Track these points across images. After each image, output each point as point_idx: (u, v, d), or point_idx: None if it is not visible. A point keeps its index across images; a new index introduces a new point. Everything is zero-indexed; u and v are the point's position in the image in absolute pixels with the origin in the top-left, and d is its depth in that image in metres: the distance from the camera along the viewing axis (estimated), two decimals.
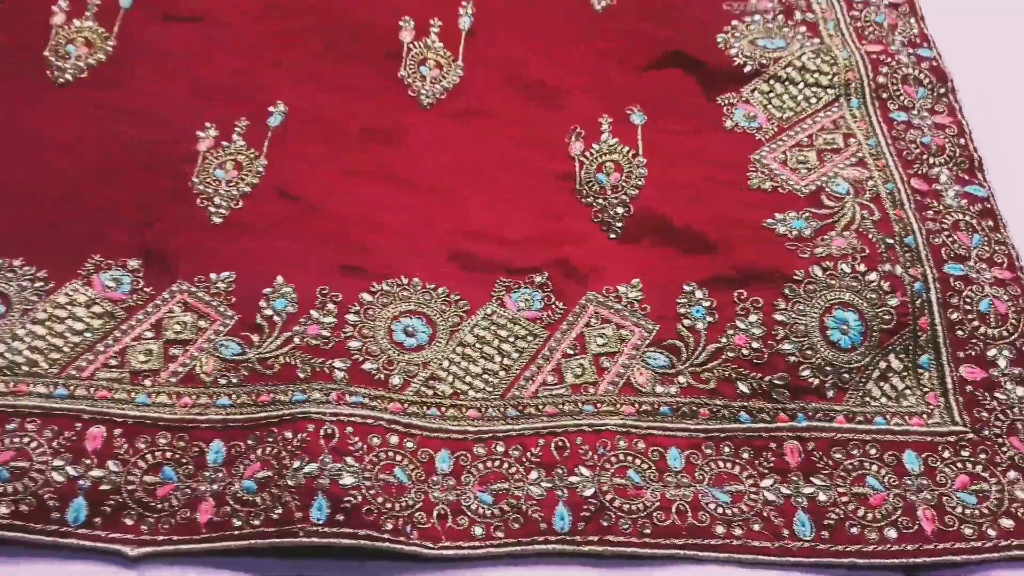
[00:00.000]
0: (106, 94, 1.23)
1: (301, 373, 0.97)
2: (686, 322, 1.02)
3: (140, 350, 0.99)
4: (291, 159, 1.18)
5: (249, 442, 0.92)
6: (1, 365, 0.96)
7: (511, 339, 1.02)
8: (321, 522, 0.86)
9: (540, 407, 0.97)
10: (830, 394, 0.97)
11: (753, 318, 1.01)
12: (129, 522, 0.89)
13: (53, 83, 1.23)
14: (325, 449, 0.90)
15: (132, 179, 1.14)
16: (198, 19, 1.31)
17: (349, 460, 0.90)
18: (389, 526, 0.87)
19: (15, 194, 1.11)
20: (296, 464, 0.89)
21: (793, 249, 1.05)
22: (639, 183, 1.14)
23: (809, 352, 0.98)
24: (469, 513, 0.90)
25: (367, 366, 0.98)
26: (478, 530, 0.89)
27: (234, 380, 0.97)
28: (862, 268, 1.03)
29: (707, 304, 1.03)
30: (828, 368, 0.97)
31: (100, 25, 1.30)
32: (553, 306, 1.05)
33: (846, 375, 0.98)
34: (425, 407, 0.97)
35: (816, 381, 0.97)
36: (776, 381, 0.97)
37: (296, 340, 1.00)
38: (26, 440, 0.91)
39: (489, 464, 0.93)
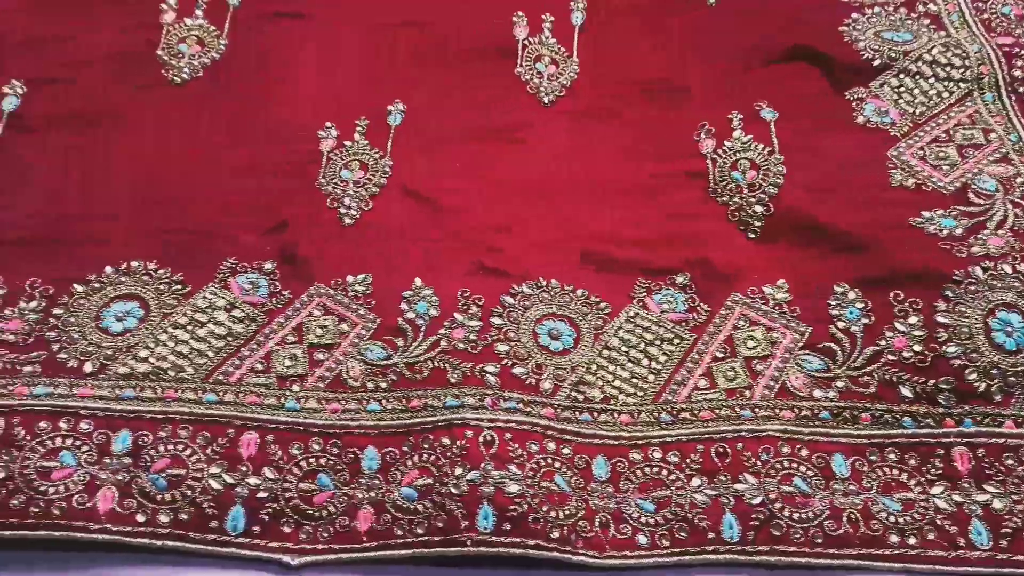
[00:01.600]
0: (222, 94, 1.21)
1: (452, 378, 0.95)
2: (840, 324, 0.99)
3: (285, 355, 0.97)
4: (416, 158, 1.16)
5: (404, 448, 0.91)
6: (146, 371, 0.95)
7: (657, 342, 1.00)
8: (488, 531, 0.84)
9: (695, 412, 0.95)
10: (997, 398, 0.94)
11: (913, 320, 0.98)
12: (287, 530, 0.87)
13: (170, 83, 1.22)
14: (486, 456, 0.88)
15: (258, 180, 1.13)
16: (307, 16, 1.29)
17: (512, 467, 0.88)
18: (556, 535, 0.85)
19: (142, 196, 1.10)
20: (458, 471, 0.87)
21: (947, 248, 1.02)
22: (778, 181, 1.11)
23: (975, 355, 0.95)
24: (631, 521, 0.88)
25: (517, 370, 0.96)
26: (642, 539, 0.87)
27: (383, 385, 0.95)
28: (1023, 268, 1.00)
29: (861, 305, 1.00)
30: (994, 371, 0.94)
31: (211, 23, 1.28)
32: (698, 308, 1.02)
33: (1012, 378, 0.94)
34: (577, 412, 0.95)
35: (983, 385, 0.94)
36: (942, 385, 0.94)
37: (443, 344, 0.98)
38: (180, 447, 0.90)
39: (647, 471, 0.91)
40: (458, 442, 0.89)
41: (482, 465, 0.87)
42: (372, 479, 0.89)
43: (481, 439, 0.89)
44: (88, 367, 0.95)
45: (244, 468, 0.89)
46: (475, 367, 0.96)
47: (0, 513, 0.84)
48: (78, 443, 0.89)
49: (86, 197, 1.10)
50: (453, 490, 0.86)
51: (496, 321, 1.00)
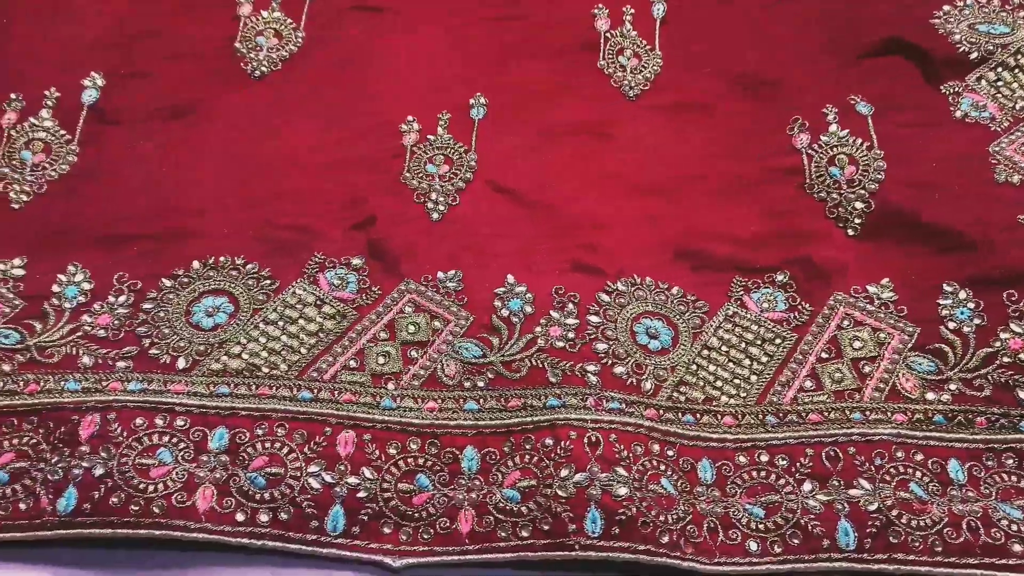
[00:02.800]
0: (303, 87, 1.20)
1: (552, 377, 0.92)
2: (951, 325, 0.96)
3: (378, 352, 0.95)
4: (500, 153, 1.14)
5: (504, 449, 0.88)
6: (239, 367, 0.93)
7: (757, 342, 0.97)
8: (596, 535, 0.82)
9: (803, 414, 0.91)
10: None
11: None
12: (387, 531, 0.85)
13: (250, 75, 1.20)
14: (592, 458, 0.85)
15: (343, 174, 1.11)
16: (385, 9, 1.27)
17: (619, 470, 0.85)
18: (665, 540, 0.82)
19: (226, 191, 1.09)
20: (563, 473, 0.84)
21: None
22: (878, 177, 1.07)
23: None
24: (740, 527, 0.85)
25: (618, 370, 0.94)
26: (753, 545, 0.84)
27: (479, 384, 0.93)
28: None
29: (972, 306, 0.97)
30: None
31: (287, 15, 1.26)
32: (799, 307, 0.99)
33: None
34: (680, 413, 0.92)
35: None
36: None
37: (540, 342, 0.95)
38: (277, 445, 0.88)
39: (754, 474, 0.88)
40: (562, 443, 0.86)
41: (588, 467, 0.85)
42: (472, 480, 0.87)
43: (586, 440, 0.87)
44: (181, 363, 0.93)
45: (342, 467, 0.87)
46: (574, 366, 0.93)
47: (100, 510, 0.82)
48: (175, 440, 0.87)
49: (171, 192, 1.08)
50: (559, 492, 0.84)
51: (593, 319, 0.97)
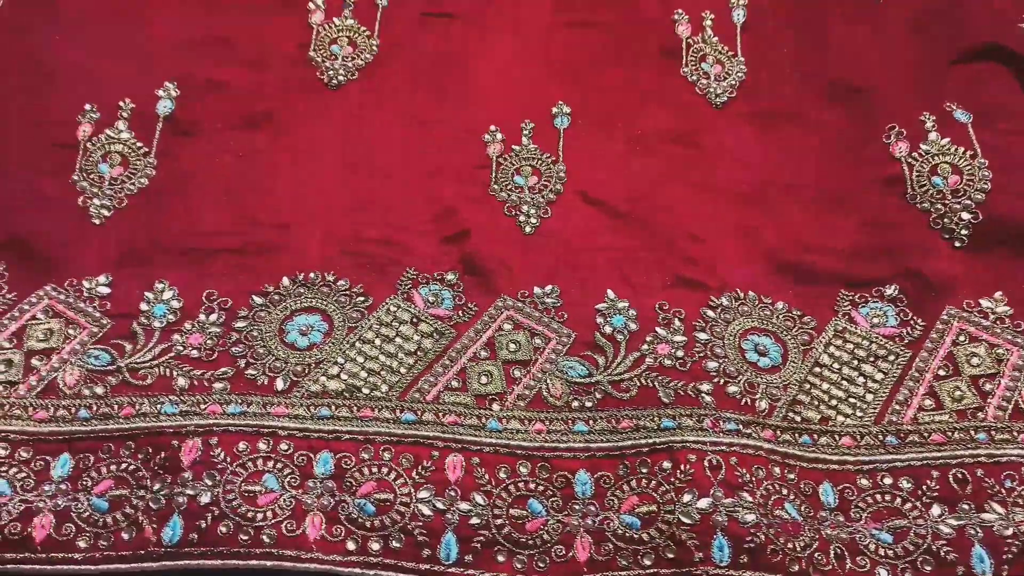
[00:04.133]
0: (381, 96, 1.16)
1: (664, 397, 0.89)
2: None
3: (479, 371, 0.92)
4: (588, 163, 1.10)
5: (619, 472, 0.85)
6: (339, 388, 0.90)
7: (870, 359, 0.94)
8: (724, 564, 0.79)
9: (924, 434, 0.88)
10: None
11: None
12: (501, 559, 0.82)
13: (327, 84, 1.17)
14: (714, 482, 0.82)
15: (429, 185, 1.08)
16: (457, 16, 1.24)
17: (744, 495, 0.82)
18: (795, 568, 0.79)
19: (312, 203, 1.06)
20: (686, 499, 0.81)
21: None
22: (985, 187, 1.04)
23: None
24: (869, 553, 0.82)
25: (731, 389, 0.90)
26: (883, 572, 0.81)
27: (587, 404, 0.90)
28: None
29: None
30: None
31: (361, 23, 1.23)
32: (911, 322, 0.96)
33: None
34: (796, 434, 0.89)
35: None
36: None
37: (649, 361, 0.92)
38: (384, 470, 0.85)
39: (878, 498, 0.85)
40: (682, 467, 0.83)
41: (711, 492, 0.81)
42: (587, 505, 0.84)
43: (706, 463, 0.83)
44: (279, 384, 0.91)
45: (452, 493, 0.84)
46: (686, 385, 0.90)
47: (207, 540, 0.79)
48: (280, 465, 0.84)
49: (253, 205, 1.05)
50: (683, 518, 0.80)
51: (701, 336, 0.94)
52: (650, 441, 0.86)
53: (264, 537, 0.80)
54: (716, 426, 0.87)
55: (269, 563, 0.79)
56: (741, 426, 0.87)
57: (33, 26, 1.17)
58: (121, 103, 1.12)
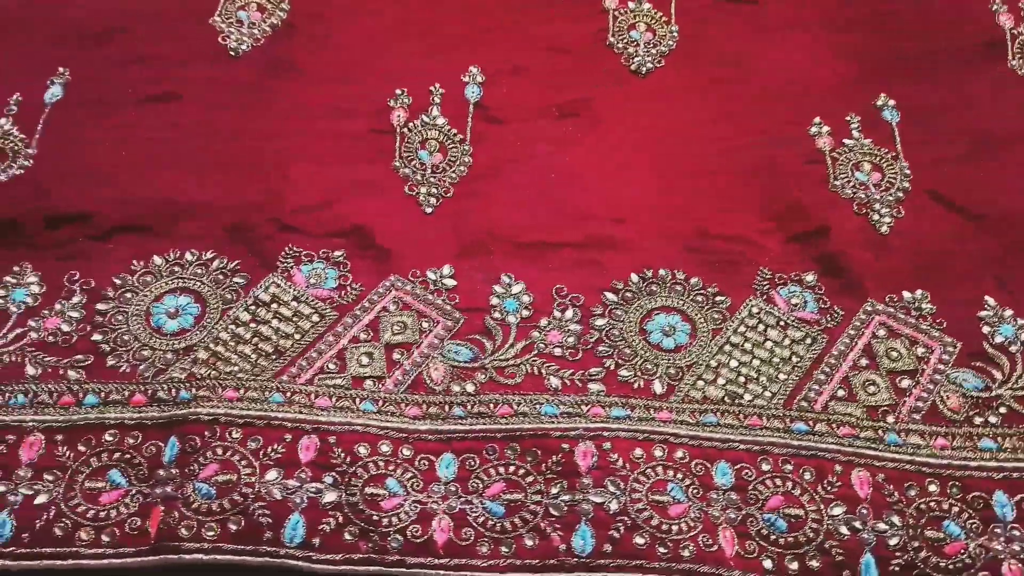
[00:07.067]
0: (687, 84, 1.12)
1: None
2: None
3: (865, 380, 0.87)
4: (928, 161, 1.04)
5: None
6: (718, 395, 0.85)
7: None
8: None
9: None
10: None
11: None
12: None
13: (634, 72, 1.12)
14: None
15: (765, 179, 1.02)
16: (758, 1, 1.18)
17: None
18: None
19: (644, 196, 1.01)
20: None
21: None
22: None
23: None
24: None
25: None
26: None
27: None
28: None
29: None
30: None
31: (655, 8, 1.18)
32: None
33: None
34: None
35: None
36: None
37: None
38: (789, 485, 0.80)
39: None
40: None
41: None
42: None
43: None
44: (657, 387, 0.86)
45: (864, 511, 0.79)
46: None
47: (621, 552, 0.76)
48: (679, 475, 0.80)
49: (577, 197, 1.00)
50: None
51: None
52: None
53: (683, 552, 0.75)
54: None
55: None
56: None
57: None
58: (432, 88, 1.08)
